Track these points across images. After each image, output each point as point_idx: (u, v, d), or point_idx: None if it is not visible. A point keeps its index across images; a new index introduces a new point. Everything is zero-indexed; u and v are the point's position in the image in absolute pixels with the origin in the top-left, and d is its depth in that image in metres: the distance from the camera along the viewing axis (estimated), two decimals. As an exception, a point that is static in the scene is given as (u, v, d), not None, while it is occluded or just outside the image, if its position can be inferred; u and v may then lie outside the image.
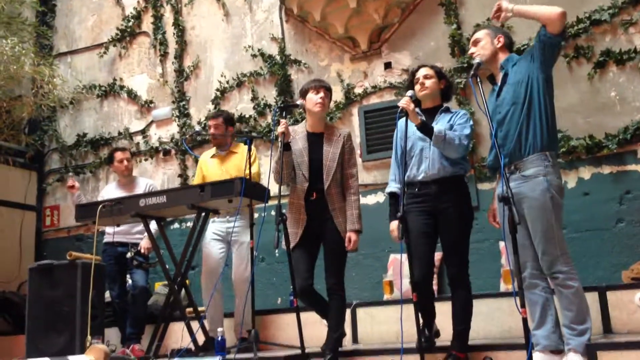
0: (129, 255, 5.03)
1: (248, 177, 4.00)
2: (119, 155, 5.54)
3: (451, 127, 3.58)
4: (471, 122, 3.68)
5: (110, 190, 5.58)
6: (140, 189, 5.40)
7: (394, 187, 3.75)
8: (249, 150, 4.16)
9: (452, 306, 3.61)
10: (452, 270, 3.59)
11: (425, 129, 3.48)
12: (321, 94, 3.90)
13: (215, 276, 4.68)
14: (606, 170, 4.97)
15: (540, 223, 3.17)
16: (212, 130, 4.95)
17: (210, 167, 4.97)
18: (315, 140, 3.94)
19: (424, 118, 3.58)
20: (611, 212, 4.88)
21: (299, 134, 3.97)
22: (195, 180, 5.16)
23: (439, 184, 3.57)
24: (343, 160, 3.92)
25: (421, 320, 3.63)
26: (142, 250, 5.09)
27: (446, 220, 3.56)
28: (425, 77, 3.70)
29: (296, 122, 5.75)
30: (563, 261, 3.15)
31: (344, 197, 3.90)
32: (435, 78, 3.72)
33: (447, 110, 3.74)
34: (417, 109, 3.59)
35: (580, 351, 3.09)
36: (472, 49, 3.52)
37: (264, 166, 5.54)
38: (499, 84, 3.45)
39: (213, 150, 5.09)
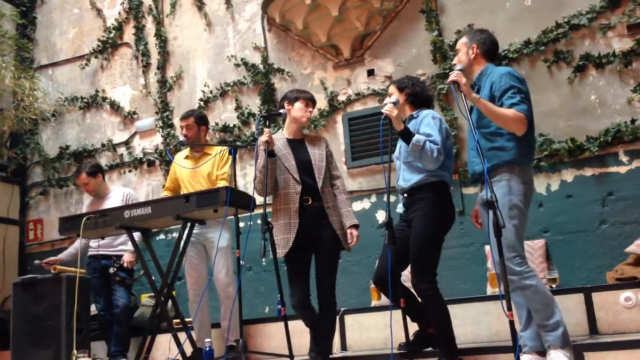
0: (111, 270, 4.97)
1: (234, 186, 4.00)
2: (78, 182, 5.53)
3: None
4: (437, 124, 3.56)
5: (86, 204, 5.54)
6: (113, 200, 5.31)
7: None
8: (234, 160, 4.16)
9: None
10: (412, 278, 3.52)
11: (407, 136, 3.48)
12: (310, 109, 4.03)
13: (201, 286, 4.65)
14: (588, 172, 5.02)
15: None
16: (184, 132, 4.89)
17: (183, 168, 4.90)
18: (296, 145, 4.01)
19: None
20: (595, 214, 4.93)
21: (278, 140, 4.01)
22: (166, 183, 5.12)
23: (408, 194, 3.64)
24: (328, 162, 4.01)
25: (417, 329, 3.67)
26: (125, 265, 5.03)
27: (412, 228, 3.55)
28: (388, 95, 3.78)
29: (280, 130, 5.75)
30: (515, 263, 3.13)
31: (334, 196, 3.97)
32: (395, 93, 3.74)
33: (412, 118, 3.72)
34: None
35: (560, 345, 3.08)
36: (455, 59, 3.54)
37: (249, 175, 5.53)
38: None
39: (186, 151, 5.04)
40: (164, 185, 6.47)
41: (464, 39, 3.50)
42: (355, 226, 3.92)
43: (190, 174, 4.84)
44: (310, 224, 3.82)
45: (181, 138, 4.90)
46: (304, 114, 3.99)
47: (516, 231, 3.18)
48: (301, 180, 3.86)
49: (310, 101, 4.05)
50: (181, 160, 4.96)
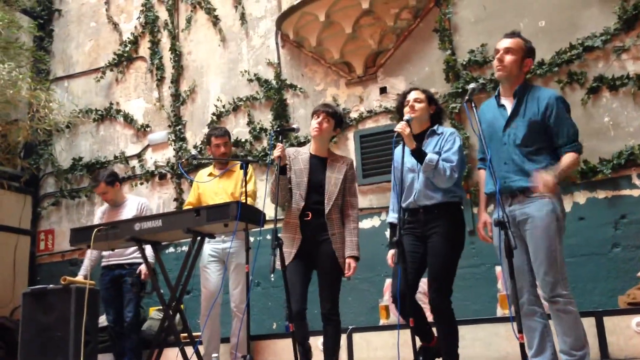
0: (129, 281, 4.94)
1: (244, 201, 3.99)
2: (96, 192, 5.56)
3: (439, 154, 3.53)
4: (459, 144, 3.59)
5: (101, 211, 5.54)
6: (129, 209, 5.31)
7: (392, 217, 3.76)
8: (245, 174, 4.15)
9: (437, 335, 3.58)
10: (431, 295, 3.51)
11: (419, 154, 3.47)
12: (318, 119, 3.90)
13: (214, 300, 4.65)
14: (601, 195, 4.99)
15: (544, 243, 3.13)
16: (221, 150, 4.92)
17: (207, 185, 4.90)
18: (317, 163, 3.94)
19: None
20: (607, 237, 4.89)
21: (301, 154, 3.97)
22: (188, 198, 5.12)
23: (426, 212, 3.57)
24: (345, 187, 3.91)
25: (420, 344, 3.62)
26: (142, 276, 5.00)
27: (431, 246, 3.53)
28: (416, 100, 3.68)
29: (292, 146, 5.77)
30: (563, 285, 3.12)
31: (343, 223, 3.89)
32: (425, 103, 3.69)
33: (434, 133, 3.68)
34: None
35: None
36: (499, 59, 3.31)
37: (260, 190, 5.53)
38: (505, 105, 3.38)
39: (210, 169, 5.05)
40: (175, 199, 6.56)
41: (520, 43, 3.33)
42: (355, 258, 3.81)
43: (214, 190, 4.86)
44: (310, 240, 3.80)
45: (193, 152, 4.92)
46: (312, 127, 3.93)
47: (562, 252, 3.17)
48: (308, 199, 3.82)
49: (320, 111, 3.91)
50: (204, 177, 4.98)
